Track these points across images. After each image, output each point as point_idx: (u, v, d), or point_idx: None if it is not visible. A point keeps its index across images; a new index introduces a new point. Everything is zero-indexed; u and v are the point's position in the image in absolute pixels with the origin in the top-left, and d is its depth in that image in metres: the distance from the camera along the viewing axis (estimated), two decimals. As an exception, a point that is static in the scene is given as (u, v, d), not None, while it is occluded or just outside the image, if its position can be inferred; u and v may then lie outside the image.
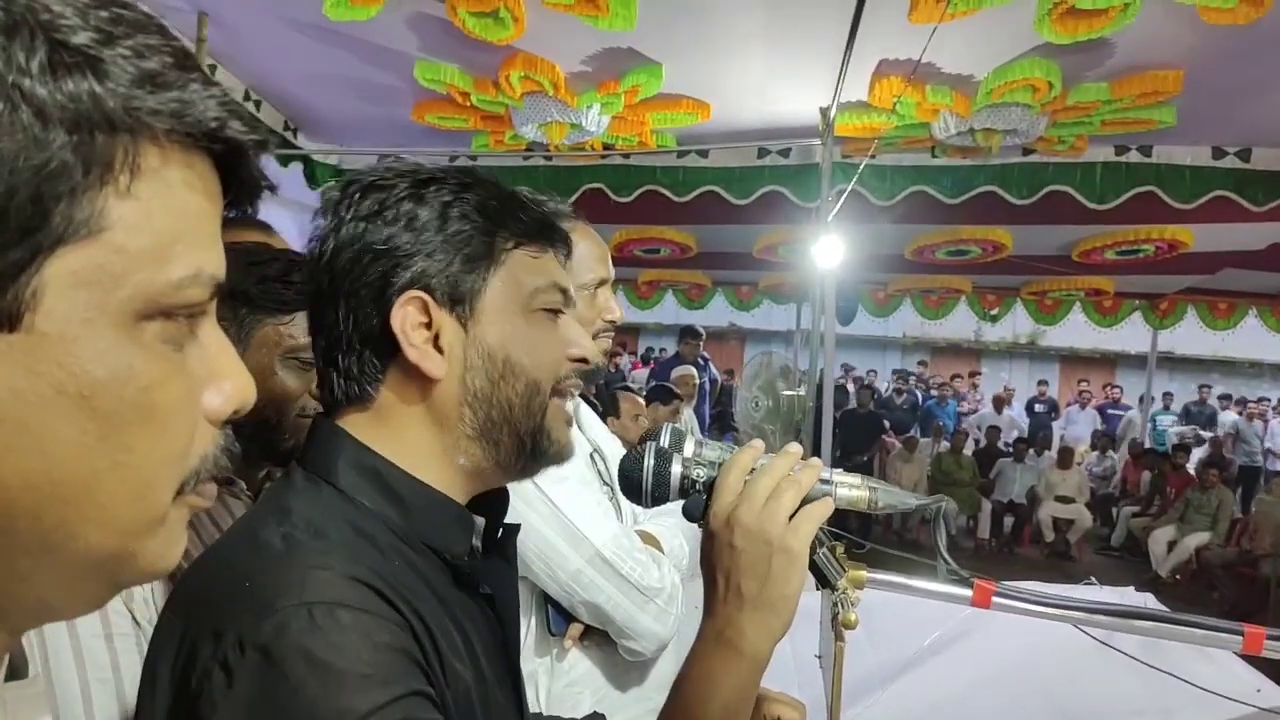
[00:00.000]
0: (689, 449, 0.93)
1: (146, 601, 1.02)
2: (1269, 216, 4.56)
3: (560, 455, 0.85)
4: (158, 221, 0.39)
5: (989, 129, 4.05)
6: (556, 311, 0.85)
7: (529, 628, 1.37)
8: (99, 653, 0.96)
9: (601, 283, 1.41)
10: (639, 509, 1.37)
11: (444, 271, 0.78)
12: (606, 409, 3.93)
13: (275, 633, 0.62)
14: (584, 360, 0.87)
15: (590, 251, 1.39)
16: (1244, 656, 1.58)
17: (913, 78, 3.72)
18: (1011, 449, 9.86)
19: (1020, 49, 3.61)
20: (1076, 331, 10.50)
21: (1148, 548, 8.14)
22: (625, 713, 1.40)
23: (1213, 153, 4.47)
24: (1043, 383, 13.82)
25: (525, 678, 0.98)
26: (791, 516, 0.86)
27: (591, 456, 1.51)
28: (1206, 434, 11.24)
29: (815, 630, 1.13)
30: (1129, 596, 2.71)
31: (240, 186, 0.44)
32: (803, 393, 5.55)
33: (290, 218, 4.85)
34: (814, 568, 0.90)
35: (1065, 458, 9.17)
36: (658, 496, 0.92)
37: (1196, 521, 7.90)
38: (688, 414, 5.98)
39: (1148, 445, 10.57)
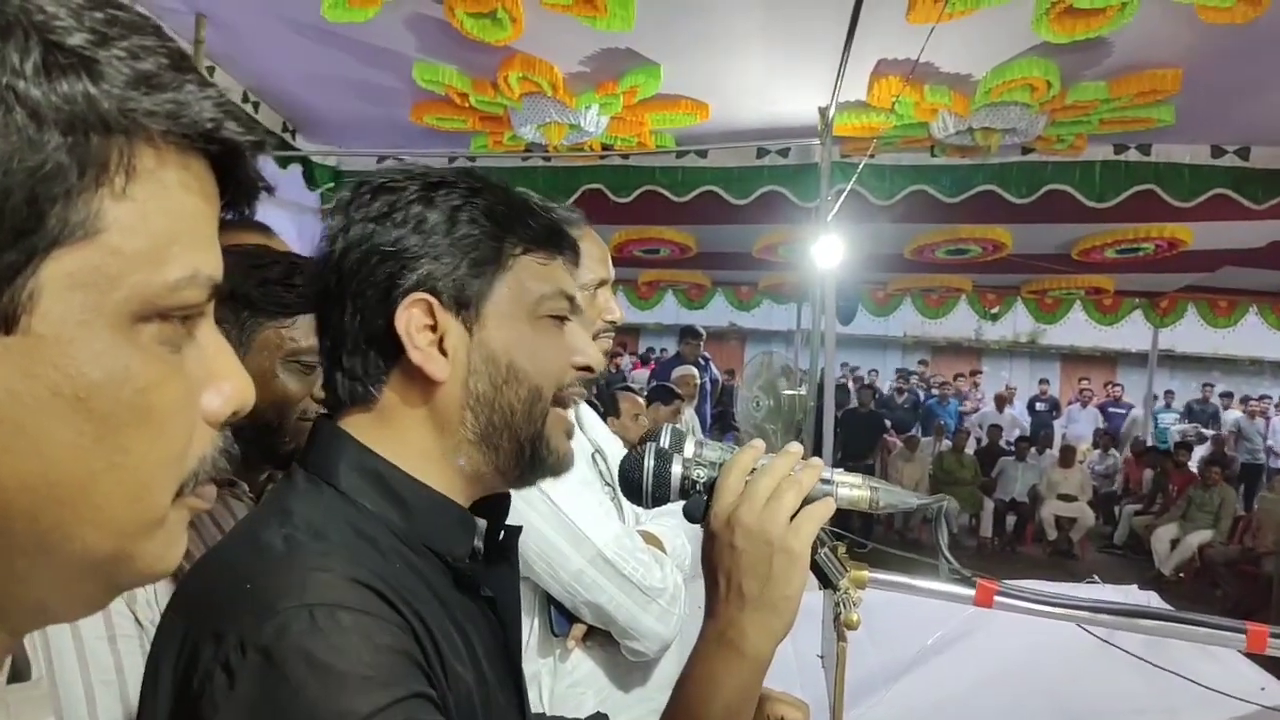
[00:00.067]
0: (689, 449, 0.92)
1: (149, 603, 1.02)
2: (1268, 214, 4.56)
3: (559, 466, 0.85)
4: (154, 223, 0.39)
5: (988, 128, 4.06)
6: (563, 319, 0.85)
7: (532, 628, 1.37)
8: (102, 655, 0.96)
9: (602, 283, 1.41)
10: (640, 509, 1.37)
11: (450, 275, 0.78)
12: (607, 409, 3.93)
13: (276, 634, 0.62)
14: (589, 369, 0.87)
15: (590, 252, 1.39)
16: (1248, 654, 1.57)
17: (911, 77, 3.72)
18: (1013, 448, 9.86)
19: (1018, 48, 3.61)
20: (1077, 330, 10.48)
21: (1150, 546, 8.14)
22: (628, 713, 1.40)
23: (1211, 151, 4.47)
24: (1044, 381, 13.83)
25: (528, 678, 0.98)
26: (793, 517, 0.86)
27: (593, 457, 1.51)
28: (1209, 432, 11.25)
29: (817, 630, 1.13)
30: (1132, 595, 2.71)
31: (237, 188, 0.44)
32: (803, 392, 5.55)
33: (289, 219, 4.86)
34: (815, 568, 0.89)
35: (1067, 456, 9.17)
36: (658, 497, 0.91)
37: (1199, 519, 7.90)
38: (689, 414, 5.97)
39: (1150, 443, 10.57)
